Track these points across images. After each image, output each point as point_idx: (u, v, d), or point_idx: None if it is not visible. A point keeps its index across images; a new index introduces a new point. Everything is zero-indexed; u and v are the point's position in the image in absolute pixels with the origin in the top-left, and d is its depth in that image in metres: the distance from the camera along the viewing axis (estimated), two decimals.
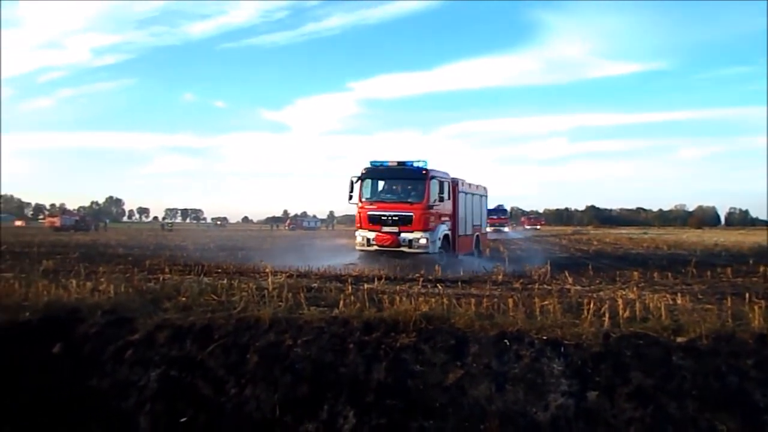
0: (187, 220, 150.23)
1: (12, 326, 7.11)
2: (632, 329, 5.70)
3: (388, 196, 17.83)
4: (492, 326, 5.88)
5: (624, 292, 8.50)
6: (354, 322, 6.13)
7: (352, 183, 17.91)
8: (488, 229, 53.22)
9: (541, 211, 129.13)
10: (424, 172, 17.27)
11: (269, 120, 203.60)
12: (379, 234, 17.28)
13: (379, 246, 17.27)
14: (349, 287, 8.00)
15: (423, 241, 16.86)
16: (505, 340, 5.59)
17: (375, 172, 18.04)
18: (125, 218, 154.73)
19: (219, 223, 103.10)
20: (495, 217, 55.85)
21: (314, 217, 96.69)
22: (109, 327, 6.83)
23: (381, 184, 18.11)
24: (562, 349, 5.42)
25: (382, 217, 17.36)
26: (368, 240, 17.42)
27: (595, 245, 31.03)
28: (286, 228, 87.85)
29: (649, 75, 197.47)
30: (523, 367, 5.32)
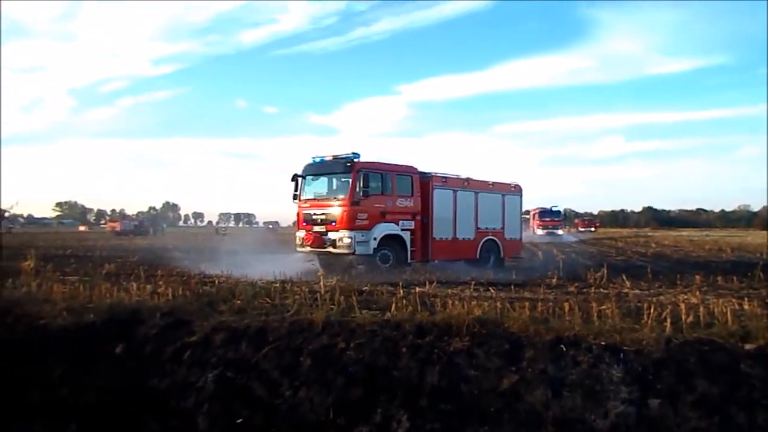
0: (240, 224, 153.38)
1: (78, 327, 7.42)
2: (696, 335, 5.47)
3: (320, 193, 16.58)
4: (547, 331, 5.75)
5: (686, 297, 8.18)
6: (406, 325, 6.11)
7: (296, 181, 16.75)
8: (538, 232, 52.28)
9: (595, 213, 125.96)
10: (348, 164, 15.52)
11: (317, 124, 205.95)
12: (308, 234, 16.18)
13: (309, 247, 16.17)
14: (401, 290, 7.98)
15: (346, 241, 15.16)
16: (562, 345, 5.45)
17: (312, 168, 16.73)
18: (181, 222, 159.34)
19: (271, 226, 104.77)
20: (548, 219, 54.74)
21: None
22: (168, 329, 7.03)
23: (317, 181, 16.82)
24: (622, 354, 5.25)
25: (313, 216, 16.18)
26: (302, 241, 16.42)
27: (654, 248, 30.01)
28: None
29: (709, 71, 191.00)
30: (580, 373, 5.18)
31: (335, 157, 16.09)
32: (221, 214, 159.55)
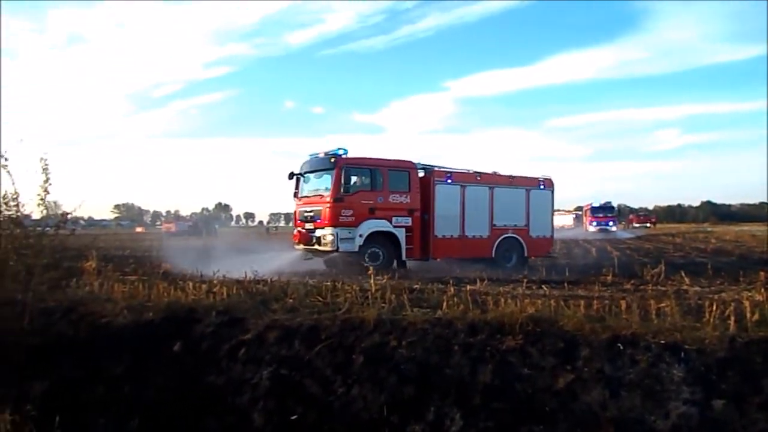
0: (290, 224, 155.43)
1: (137, 325, 7.67)
2: (762, 333, 5.24)
3: (312, 189, 16.31)
4: (603, 329, 5.61)
5: (750, 294, 7.83)
6: (458, 323, 6.07)
7: (297, 179, 16.66)
8: (591, 229, 51.04)
9: (651, 208, 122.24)
10: (332, 160, 15.19)
11: (365, 123, 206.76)
12: (299, 231, 16.10)
13: (299, 244, 16.10)
14: (451, 288, 7.93)
15: (329, 238, 14.88)
16: (619, 344, 5.31)
17: (307, 165, 16.52)
18: (233, 223, 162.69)
19: None
20: (601, 215, 53.42)
21: None
22: (223, 327, 7.19)
23: (310, 178, 16.54)
24: (683, 354, 5.07)
25: (305, 214, 16.11)
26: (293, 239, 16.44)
27: (714, 243, 28.93)
28: None
29: None
30: (639, 373, 5.03)
31: (326, 154, 15.75)
32: (271, 214, 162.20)
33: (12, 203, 8.54)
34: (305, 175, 16.62)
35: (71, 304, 8.67)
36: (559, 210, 73.59)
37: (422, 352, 5.80)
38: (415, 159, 16.66)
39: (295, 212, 16.86)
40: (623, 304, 6.39)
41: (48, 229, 8.78)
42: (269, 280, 9.97)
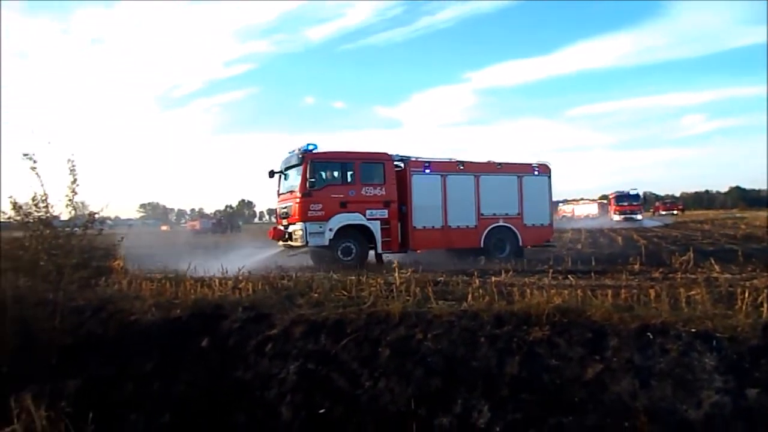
0: None
1: (165, 322, 7.78)
2: None
3: (288, 186, 16.40)
4: (632, 318, 5.53)
5: None
6: (484, 315, 6.03)
7: (279, 177, 16.82)
8: (616, 218, 50.27)
9: (677, 195, 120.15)
10: (301, 155, 15.27)
11: (385, 117, 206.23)
12: (274, 228, 16.23)
13: (275, 240, 16.23)
14: (476, 280, 7.89)
15: (299, 233, 14.99)
16: (648, 333, 5.23)
17: (284, 162, 16.62)
18: (256, 219, 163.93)
19: None
20: (626, 203, 52.62)
21: None
22: (250, 322, 7.25)
23: (287, 175, 16.62)
24: (714, 342, 4.97)
25: (281, 210, 16.38)
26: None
27: (744, 229, 28.35)
28: None
29: None
30: (669, 362, 4.95)
31: (299, 150, 15.75)
32: None
33: (41, 204, 8.72)
34: (284, 173, 16.75)
35: (101, 303, 8.82)
36: (583, 199, 73.11)
37: (448, 345, 5.78)
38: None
39: (276, 209, 17.15)
40: (652, 292, 6.29)
41: (76, 229, 8.95)
42: (294, 275, 10.02)
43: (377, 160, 16.07)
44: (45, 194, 8.76)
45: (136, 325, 7.95)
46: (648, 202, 74.77)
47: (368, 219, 15.45)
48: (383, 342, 6.09)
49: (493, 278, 8.08)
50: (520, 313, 5.91)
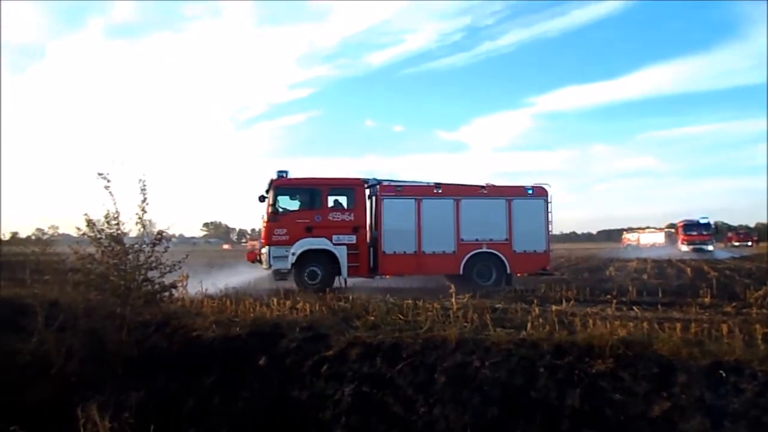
0: None
1: (225, 339, 7.94)
2: None
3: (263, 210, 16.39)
4: (703, 354, 5.26)
5: None
6: (544, 345, 5.87)
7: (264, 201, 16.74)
8: (684, 248, 48.11)
9: (752, 225, 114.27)
10: (271, 180, 15.50)
11: (446, 140, 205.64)
12: (252, 251, 16.29)
13: (253, 262, 16.30)
14: (536, 308, 7.71)
15: (264, 256, 15.27)
16: (721, 371, 4.96)
17: (266, 187, 16.39)
18: None
19: None
20: (695, 233, 50.18)
21: None
22: (306, 342, 7.32)
23: (265, 199, 16.40)
24: None
25: (260, 233, 16.46)
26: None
27: None
28: None
29: None
30: (744, 402, 4.67)
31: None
32: None
33: (113, 222, 9.12)
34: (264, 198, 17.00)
35: (165, 318, 9.10)
36: (649, 227, 70.56)
37: (506, 374, 5.66)
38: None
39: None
40: (725, 328, 5.99)
41: (145, 246, 9.30)
42: (350, 297, 10.06)
43: (346, 186, 16.07)
44: (117, 212, 9.18)
45: (198, 341, 8.15)
46: (720, 232, 71.29)
47: (335, 244, 15.36)
48: (439, 368, 6.02)
49: (554, 307, 7.85)
50: (582, 344, 5.73)
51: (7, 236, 11.28)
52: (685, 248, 48.92)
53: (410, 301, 8.98)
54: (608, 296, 10.28)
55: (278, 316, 8.46)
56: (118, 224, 9.18)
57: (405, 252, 15.76)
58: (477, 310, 7.64)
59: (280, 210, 15.49)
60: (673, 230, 62.54)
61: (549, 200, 16.57)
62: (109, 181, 9.14)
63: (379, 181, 16.20)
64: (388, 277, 15.86)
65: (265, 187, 15.95)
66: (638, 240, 66.23)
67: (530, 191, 16.57)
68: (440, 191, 16.28)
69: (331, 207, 15.73)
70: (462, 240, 15.98)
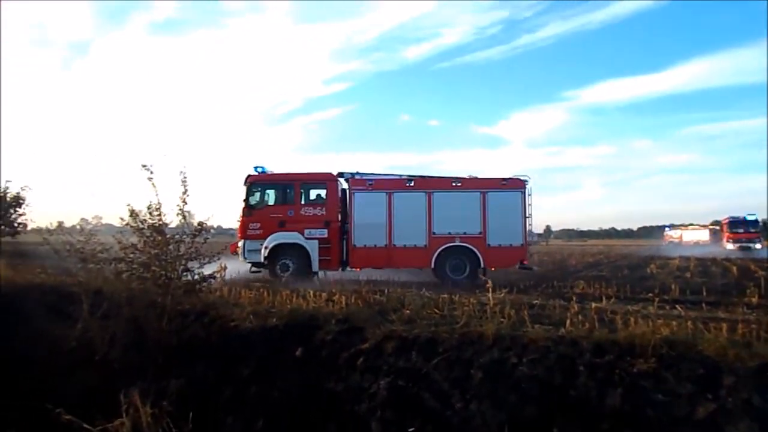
0: None
1: (263, 330, 8.03)
2: None
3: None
4: (751, 356, 5.09)
5: None
6: (583, 342, 5.76)
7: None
8: (729, 246, 46.43)
9: None
10: (246, 176, 16.00)
11: (483, 135, 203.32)
12: (234, 243, 16.16)
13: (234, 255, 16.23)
14: (575, 305, 7.58)
15: (239, 250, 15.68)
16: None
17: None
18: None
19: None
20: (742, 230, 48.39)
21: (530, 231, 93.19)
22: (342, 335, 7.34)
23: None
24: None
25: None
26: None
27: None
28: None
29: None
30: None
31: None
32: None
33: (155, 213, 9.30)
34: None
35: (204, 308, 9.24)
36: (692, 224, 68.61)
37: (544, 371, 5.57)
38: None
39: None
40: None
41: (185, 237, 9.46)
42: (386, 291, 10.06)
43: (319, 181, 16.39)
44: (159, 203, 9.36)
45: (236, 331, 8.26)
46: None
47: (306, 238, 15.72)
48: (476, 363, 5.96)
49: (593, 304, 7.69)
50: (623, 343, 5.60)
51: (54, 225, 11.57)
52: (730, 246, 47.25)
53: (446, 296, 8.94)
54: (650, 294, 10.02)
55: (314, 308, 8.50)
56: (160, 215, 9.36)
57: (375, 245, 15.92)
58: (514, 306, 7.54)
59: (255, 204, 16.01)
60: (717, 227, 60.71)
61: (528, 193, 16.25)
62: (151, 172, 9.34)
63: (354, 175, 16.38)
64: (357, 270, 15.82)
65: (241, 182, 16.35)
66: (681, 237, 64.48)
67: (505, 183, 16.34)
68: (412, 184, 16.34)
69: (304, 202, 16.14)
70: (434, 234, 15.96)
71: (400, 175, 16.87)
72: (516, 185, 16.25)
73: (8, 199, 14.75)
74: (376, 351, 6.77)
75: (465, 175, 16.93)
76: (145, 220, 9.34)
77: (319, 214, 16.04)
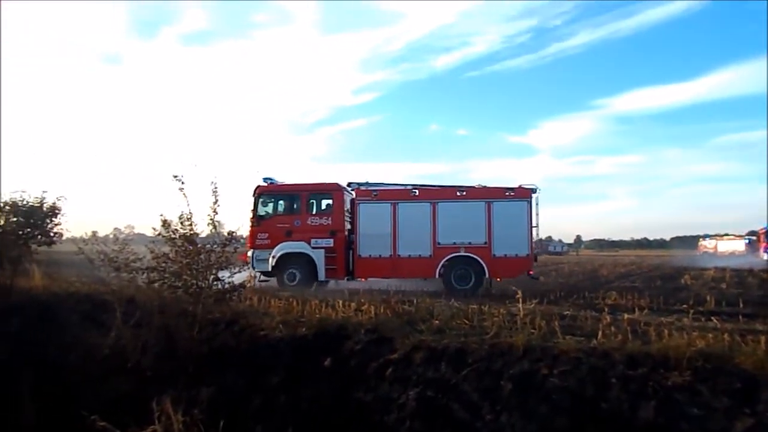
0: None
1: (292, 339, 8.08)
2: None
3: None
4: None
5: None
6: (616, 354, 5.67)
7: None
8: (766, 257, 45.19)
9: None
10: (255, 187, 16.36)
11: (513, 144, 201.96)
12: (245, 253, 16.12)
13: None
14: (607, 317, 7.46)
15: (248, 259, 15.59)
16: None
17: None
18: None
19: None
20: None
21: (560, 241, 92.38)
22: (371, 345, 7.35)
23: None
24: None
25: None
26: None
27: None
28: None
29: None
30: None
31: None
32: None
33: (187, 222, 9.45)
34: None
35: (234, 317, 9.34)
36: (728, 234, 67.08)
37: (576, 383, 5.49)
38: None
39: None
40: None
41: (216, 246, 9.59)
42: (415, 301, 10.05)
43: (325, 191, 16.64)
44: (190, 213, 9.51)
45: (265, 340, 8.32)
46: None
47: (313, 248, 15.93)
48: (506, 374, 5.91)
49: (626, 315, 7.57)
50: (656, 355, 5.50)
51: (88, 235, 11.86)
52: (767, 257, 46.11)
53: (475, 306, 8.88)
54: (684, 306, 9.81)
55: (343, 317, 8.52)
56: (191, 225, 9.51)
57: (380, 256, 16.00)
58: (545, 316, 7.46)
59: (263, 215, 16.35)
60: (754, 237, 59.25)
61: (535, 202, 16.03)
62: (183, 183, 9.50)
63: (360, 185, 16.67)
64: (363, 280, 15.82)
65: (251, 193, 16.68)
66: (715, 247, 63.01)
67: (510, 192, 16.17)
68: (417, 194, 16.41)
69: (310, 212, 16.45)
70: (438, 244, 15.90)
71: (405, 185, 17.05)
72: (522, 195, 16.06)
73: (44, 209, 15.12)
74: (405, 361, 6.76)
75: (475, 185, 16.90)
76: (176, 229, 9.49)
77: (325, 223, 16.27)
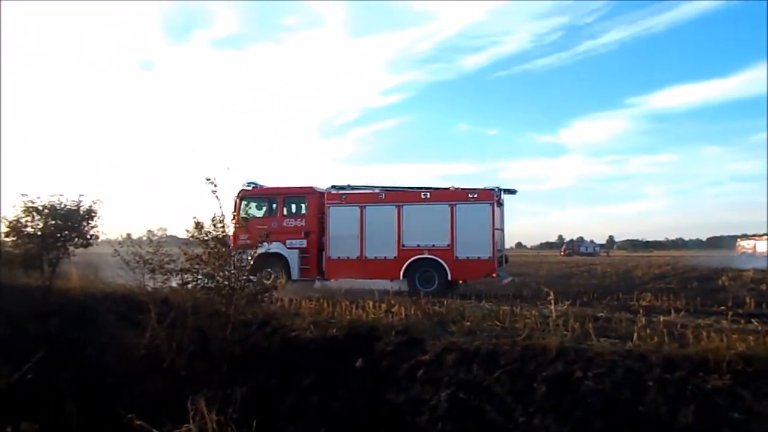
0: None
1: (323, 340, 8.13)
2: None
3: None
4: None
5: None
6: (652, 357, 5.57)
7: None
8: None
9: None
10: (239, 190, 17.03)
11: (543, 143, 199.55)
12: None
13: None
14: (642, 318, 7.33)
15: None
16: None
17: None
18: None
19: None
20: None
21: (591, 242, 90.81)
22: (402, 346, 7.34)
23: None
24: None
25: None
26: None
27: None
28: (562, 254, 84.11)
29: None
30: None
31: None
32: None
33: (219, 225, 9.57)
34: None
35: (266, 318, 9.43)
36: (756, 235, 65.15)
37: (611, 386, 5.41)
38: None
39: None
40: None
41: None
42: (445, 302, 10.01)
43: (300, 194, 17.21)
44: (222, 215, 9.63)
45: (297, 341, 8.39)
46: None
47: (288, 248, 16.58)
48: (539, 377, 5.85)
49: (661, 317, 7.43)
50: (695, 358, 5.39)
51: (123, 237, 12.09)
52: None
53: (507, 308, 8.82)
54: (722, 307, 9.58)
55: (374, 319, 8.54)
56: (223, 227, 9.62)
57: (348, 257, 16.41)
58: (578, 318, 7.36)
59: (245, 217, 16.99)
60: None
61: (498, 204, 16.14)
62: (216, 185, 9.63)
63: (337, 187, 17.03)
64: (333, 280, 16.43)
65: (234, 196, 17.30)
66: (754, 248, 61.17)
67: (473, 195, 16.11)
68: (383, 198, 16.58)
69: (286, 214, 17.16)
70: (403, 246, 16.10)
71: (373, 189, 17.17)
72: (484, 197, 16.05)
73: (81, 212, 15.46)
74: (436, 363, 6.74)
75: (450, 187, 16.74)
76: (209, 231, 9.61)
77: (299, 225, 16.96)
